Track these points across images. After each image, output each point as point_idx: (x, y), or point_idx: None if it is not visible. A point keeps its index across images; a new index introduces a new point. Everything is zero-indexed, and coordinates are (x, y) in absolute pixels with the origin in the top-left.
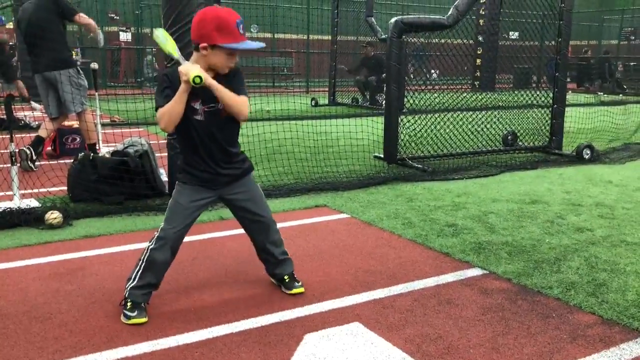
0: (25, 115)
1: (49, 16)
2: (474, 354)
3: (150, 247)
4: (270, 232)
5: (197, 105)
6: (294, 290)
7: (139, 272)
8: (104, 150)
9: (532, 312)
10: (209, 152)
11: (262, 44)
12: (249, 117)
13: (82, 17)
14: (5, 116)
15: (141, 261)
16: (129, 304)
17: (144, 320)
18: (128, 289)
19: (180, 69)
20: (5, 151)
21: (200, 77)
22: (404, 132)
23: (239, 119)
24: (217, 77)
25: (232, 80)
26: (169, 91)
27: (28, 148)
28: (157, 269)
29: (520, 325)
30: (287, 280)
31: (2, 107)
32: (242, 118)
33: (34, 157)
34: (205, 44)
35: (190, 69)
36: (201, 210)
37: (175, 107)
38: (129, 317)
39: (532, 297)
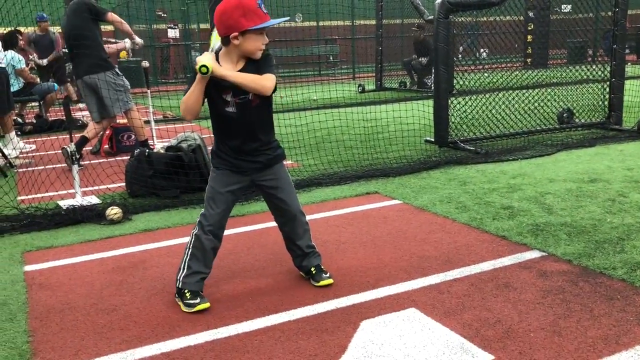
0: (83, 116)
1: (83, 21)
2: (534, 338)
3: (194, 232)
4: (297, 224)
5: (229, 97)
6: (322, 282)
7: (187, 260)
8: (159, 146)
9: (595, 294)
10: (241, 141)
11: (285, 18)
12: (296, 106)
13: (114, 16)
14: (64, 117)
15: (188, 249)
16: (187, 293)
17: (207, 305)
18: (180, 279)
19: (197, 58)
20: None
21: (206, 66)
22: (455, 114)
23: (264, 93)
24: (248, 64)
25: (260, 63)
26: (192, 79)
27: (70, 147)
28: (204, 255)
29: (583, 307)
30: (314, 272)
31: (62, 108)
32: (266, 92)
33: (78, 156)
34: (235, 34)
35: (201, 59)
36: (237, 194)
37: (190, 96)
38: (192, 306)
39: (594, 279)
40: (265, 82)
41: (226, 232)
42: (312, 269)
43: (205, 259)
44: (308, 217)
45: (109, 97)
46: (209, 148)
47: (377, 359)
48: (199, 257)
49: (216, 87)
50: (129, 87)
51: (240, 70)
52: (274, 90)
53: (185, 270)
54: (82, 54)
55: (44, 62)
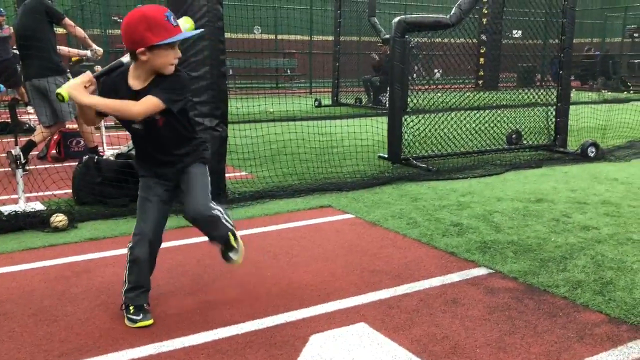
0: (29, 119)
1: (37, 22)
2: (480, 354)
3: (129, 245)
4: (200, 224)
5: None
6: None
7: (127, 275)
8: (109, 152)
9: (538, 311)
10: (152, 155)
11: (200, 31)
12: (252, 118)
13: (69, 22)
14: (9, 119)
15: (127, 262)
16: (131, 308)
17: (150, 322)
18: (123, 293)
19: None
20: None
21: (61, 94)
22: (408, 131)
23: (132, 119)
24: (156, 80)
25: (159, 82)
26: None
27: (15, 150)
28: (141, 268)
29: (527, 324)
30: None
31: (7, 110)
32: (133, 117)
33: (23, 161)
34: (142, 49)
35: (63, 86)
36: (165, 199)
37: (79, 109)
38: (135, 321)
39: (538, 296)
40: (133, 107)
41: (176, 243)
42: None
43: (141, 272)
44: (261, 230)
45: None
46: None
47: None
48: (135, 271)
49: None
50: None
51: (140, 91)
52: (169, 110)
53: (126, 284)
54: (33, 56)
55: None
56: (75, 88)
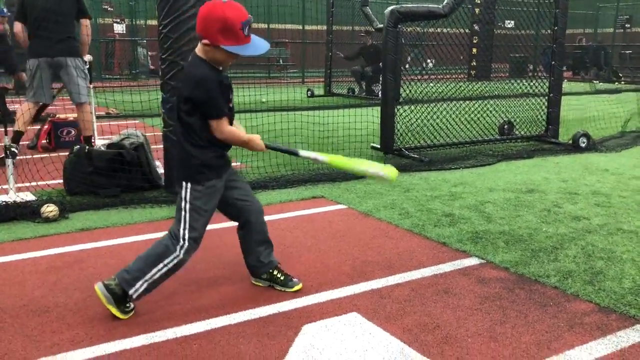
0: (17, 109)
1: (69, 5)
2: (471, 343)
3: (178, 256)
4: (262, 214)
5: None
6: (296, 288)
7: (158, 277)
8: (100, 142)
9: (529, 300)
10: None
11: (267, 46)
12: (244, 107)
13: (87, 25)
14: None
15: (165, 266)
16: (130, 303)
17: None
18: (140, 291)
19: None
20: None
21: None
22: (401, 122)
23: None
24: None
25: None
26: (224, 100)
27: (5, 140)
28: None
29: (518, 314)
30: (282, 279)
31: None
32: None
33: (15, 151)
34: (207, 42)
35: (391, 172)
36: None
37: (236, 143)
38: (126, 312)
39: (529, 286)
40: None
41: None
42: (276, 272)
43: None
44: None
45: (77, 84)
46: (153, 147)
47: None
48: (168, 276)
49: (227, 90)
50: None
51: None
52: None
53: (151, 284)
54: (61, 34)
55: None
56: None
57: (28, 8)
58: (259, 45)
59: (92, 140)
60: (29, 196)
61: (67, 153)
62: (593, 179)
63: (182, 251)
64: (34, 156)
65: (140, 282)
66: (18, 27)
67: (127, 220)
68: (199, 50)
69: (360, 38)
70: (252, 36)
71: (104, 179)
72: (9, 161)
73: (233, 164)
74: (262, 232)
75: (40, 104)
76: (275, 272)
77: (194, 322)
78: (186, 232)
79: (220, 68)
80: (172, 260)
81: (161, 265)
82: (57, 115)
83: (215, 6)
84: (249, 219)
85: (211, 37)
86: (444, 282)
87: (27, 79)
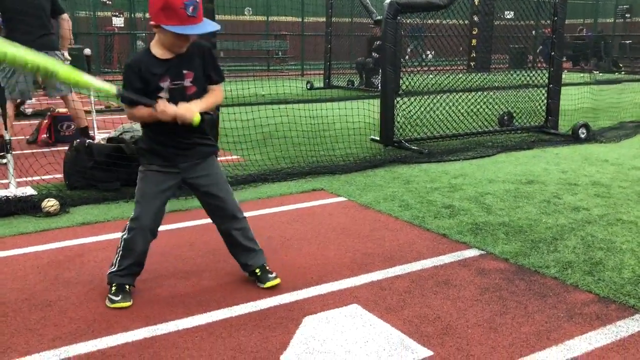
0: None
1: (47, 1)
2: (472, 334)
3: (124, 236)
4: (234, 222)
5: (164, 84)
6: (269, 283)
7: (119, 259)
8: (99, 136)
9: (529, 291)
10: (173, 127)
11: (215, 27)
12: (243, 101)
13: (68, 19)
14: None
15: (120, 248)
16: (113, 287)
17: (127, 304)
18: (108, 274)
19: (179, 109)
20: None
21: (200, 118)
22: (400, 114)
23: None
24: (180, 55)
25: (204, 59)
26: (136, 82)
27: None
28: (136, 256)
29: (518, 304)
30: (259, 274)
31: None
32: (220, 103)
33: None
34: (153, 23)
35: (194, 111)
36: (167, 194)
37: (140, 119)
38: (113, 301)
39: (529, 277)
40: (221, 97)
41: (168, 227)
42: (257, 269)
43: (137, 258)
44: (254, 213)
45: None
46: None
47: (319, 355)
48: (129, 258)
49: (153, 74)
50: None
51: (173, 62)
52: None
53: (115, 266)
54: (42, 28)
55: None
56: (190, 109)
57: (7, 2)
58: (202, 26)
59: (92, 134)
60: (29, 190)
61: (67, 147)
62: (593, 169)
63: (125, 231)
64: (34, 151)
65: (110, 268)
66: None
67: (128, 214)
68: (154, 40)
69: (366, 30)
70: (205, 19)
71: (104, 173)
72: (9, 156)
73: (230, 157)
74: (231, 239)
75: (18, 101)
76: (257, 271)
77: (195, 315)
78: (132, 213)
79: (172, 54)
80: (120, 243)
81: (118, 250)
82: (57, 110)
83: None
84: (219, 227)
85: (154, 17)
86: (444, 274)
87: (2, 77)
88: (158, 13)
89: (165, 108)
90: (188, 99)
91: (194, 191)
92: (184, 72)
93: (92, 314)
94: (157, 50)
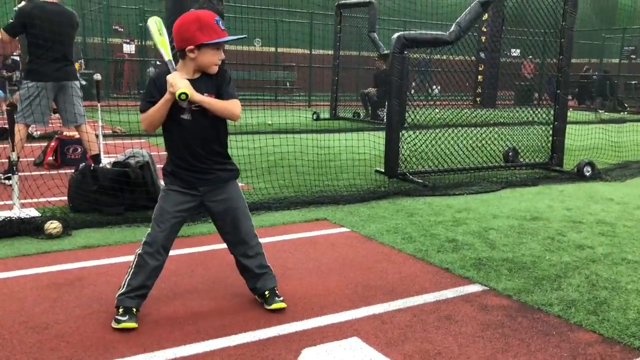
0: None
1: (75, 26)
2: None
3: (138, 252)
4: (248, 245)
5: (185, 104)
6: (274, 306)
7: (129, 279)
8: (105, 161)
9: (532, 329)
10: (194, 151)
11: (243, 35)
12: (251, 129)
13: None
14: (7, 125)
15: (131, 268)
16: (120, 309)
17: (133, 325)
18: (117, 296)
19: (169, 78)
20: (6, 160)
21: (186, 93)
22: (405, 147)
23: (232, 120)
24: (204, 77)
25: (219, 80)
26: (155, 93)
27: (13, 156)
28: (148, 273)
29: (520, 342)
30: (267, 296)
31: (4, 116)
32: (235, 119)
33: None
34: (191, 47)
35: (179, 83)
36: (185, 215)
37: (156, 114)
38: (119, 322)
39: (532, 315)
40: (235, 109)
41: (170, 253)
42: (266, 292)
43: (148, 278)
44: None
45: (77, 105)
46: (159, 166)
47: None
48: (140, 276)
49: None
50: None
51: (196, 82)
52: None
53: (124, 287)
54: (69, 57)
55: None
56: (189, 87)
57: (36, 27)
58: (234, 35)
59: (100, 159)
60: (33, 212)
61: (72, 170)
62: (597, 208)
63: (140, 247)
64: (40, 173)
65: (119, 290)
66: (5, 36)
67: (130, 238)
68: (179, 67)
69: (373, 63)
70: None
71: (108, 197)
72: (15, 177)
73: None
74: (242, 264)
75: (45, 126)
76: (265, 293)
77: (194, 343)
78: (149, 230)
79: (198, 74)
80: (134, 259)
81: (129, 268)
82: (64, 133)
83: (185, 15)
84: (232, 251)
85: (192, 39)
86: (446, 309)
87: (20, 100)
88: (195, 35)
89: (172, 79)
90: (210, 120)
91: (211, 214)
92: (205, 93)
93: (90, 339)
94: (184, 73)
